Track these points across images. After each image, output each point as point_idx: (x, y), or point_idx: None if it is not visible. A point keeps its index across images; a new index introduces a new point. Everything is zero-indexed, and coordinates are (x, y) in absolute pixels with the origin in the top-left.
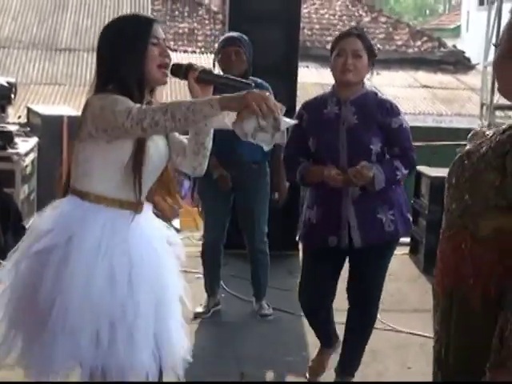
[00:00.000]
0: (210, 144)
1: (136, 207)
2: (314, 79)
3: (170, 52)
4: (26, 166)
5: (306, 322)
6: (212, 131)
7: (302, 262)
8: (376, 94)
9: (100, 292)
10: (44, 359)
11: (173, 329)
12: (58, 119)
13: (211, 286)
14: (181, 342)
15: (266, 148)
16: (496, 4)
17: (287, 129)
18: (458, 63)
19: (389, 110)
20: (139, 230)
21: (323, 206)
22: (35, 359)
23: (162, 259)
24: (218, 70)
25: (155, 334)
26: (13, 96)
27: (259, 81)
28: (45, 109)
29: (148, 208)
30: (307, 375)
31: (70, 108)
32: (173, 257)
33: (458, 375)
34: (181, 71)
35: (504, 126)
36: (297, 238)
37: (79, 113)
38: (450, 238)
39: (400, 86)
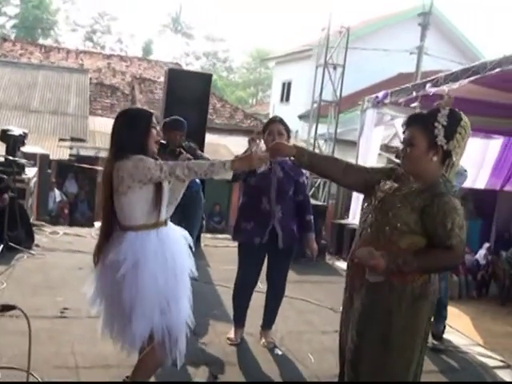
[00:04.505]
0: (180, 195)
1: (164, 223)
2: (215, 141)
3: (99, 117)
4: (31, 186)
5: (219, 289)
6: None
7: (238, 254)
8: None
9: (161, 286)
10: (131, 336)
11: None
12: (34, 156)
13: None
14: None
15: None
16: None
17: None
18: None
19: (297, 170)
20: (172, 237)
21: (255, 220)
22: (126, 337)
23: (185, 254)
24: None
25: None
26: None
27: (187, 142)
28: (26, 149)
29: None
30: (232, 337)
31: (40, 148)
32: (188, 250)
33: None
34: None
35: (414, 185)
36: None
37: (46, 151)
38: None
39: (240, 145)
